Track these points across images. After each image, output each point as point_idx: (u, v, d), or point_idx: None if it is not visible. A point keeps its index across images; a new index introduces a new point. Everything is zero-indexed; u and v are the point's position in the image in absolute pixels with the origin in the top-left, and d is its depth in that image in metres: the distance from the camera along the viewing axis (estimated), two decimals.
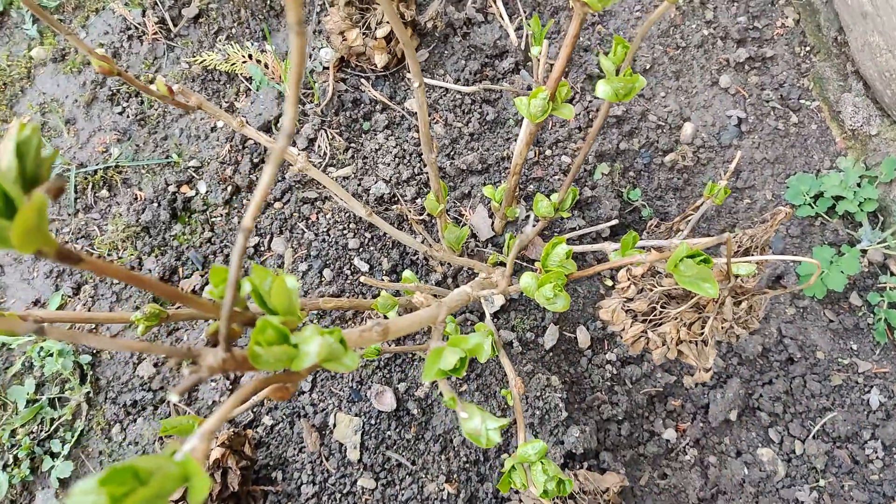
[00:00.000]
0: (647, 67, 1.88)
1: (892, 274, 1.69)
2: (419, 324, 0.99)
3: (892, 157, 1.69)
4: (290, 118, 0.40)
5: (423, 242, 1.57)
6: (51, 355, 1.50)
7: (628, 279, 1.14)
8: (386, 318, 0.99)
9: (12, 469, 1.46)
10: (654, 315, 1.09)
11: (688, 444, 1.57)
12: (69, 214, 1.69)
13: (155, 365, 1.54)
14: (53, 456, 1.48)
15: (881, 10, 1.61)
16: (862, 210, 1.70)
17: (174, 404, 1.51)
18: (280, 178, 1.68)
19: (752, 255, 1.34)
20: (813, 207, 1.74)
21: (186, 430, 1.02)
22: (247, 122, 1.31)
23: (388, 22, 1.73)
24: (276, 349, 0.46)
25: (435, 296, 1.35)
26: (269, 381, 0.51)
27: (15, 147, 0.37)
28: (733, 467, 1.55)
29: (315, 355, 0.48)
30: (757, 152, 1.82)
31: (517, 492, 1.44)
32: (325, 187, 1.68)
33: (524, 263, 1.64)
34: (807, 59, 1.91)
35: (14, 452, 1.47)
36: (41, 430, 1.50)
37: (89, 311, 1.58)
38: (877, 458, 1.57)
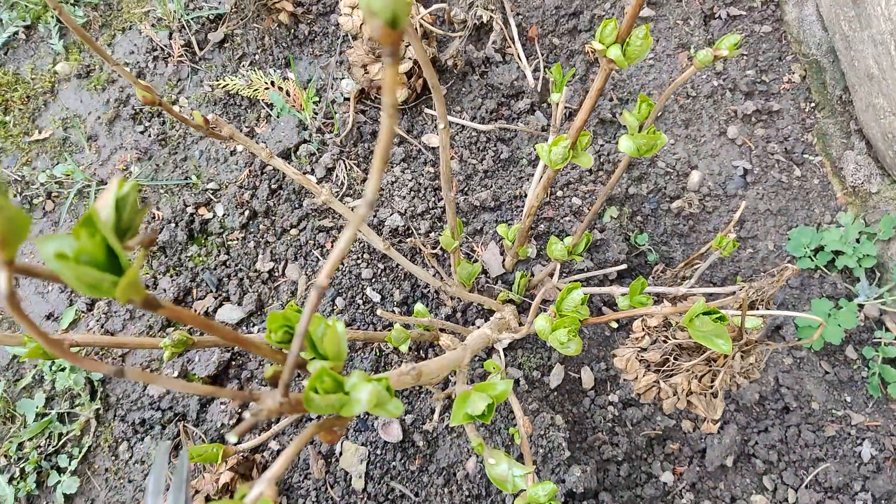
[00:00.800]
0: (659, 115, 1.93)
1: (887, 330, 1.74)
2: (448, 367, 1.03)
3: (891, 216, 1.75)
4: (373, 187, 0.43)
5: (435, 276, 1.60)
6: (63, 370, 1.52)
7: (643, 329, 1.18)
8: (416, 361, 1.02)
9: (18, 482, 1.47)
10: (667, 366, 1.13)
11: (684, 487, 1.60)
12: None
13: None
14: (60, 471, 1.49)
15: (887, 74, 1.68)
16: (860, 266, 1.76)
17: (183, 425, 1.52)
18: (297, 206, 1.71)
19: (758, 308, 1.39)
20: (813, 260, 1.79)
21: (212, 458, 1.05)
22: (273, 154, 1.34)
23: (410, 58, 1.77)
24: (331, 397, 0.49)
25: (454, 333, 1.38)
26: (322, 427, 0.54)
27: (114, 201, 0.40)
28: None
29: (366, 403, 0.51)
30: (761, 203, 1.87)
31: None
32: (341, 217, 1.71)
33: (529, 301, 1.68)
34: (811, 114, 1.97)
35: (21, 465, 1.48)
36: (49, 445, 1.51)
37: (102, 326, 1.60)
38: None
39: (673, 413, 1.63)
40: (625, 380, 1.62)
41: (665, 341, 1.12)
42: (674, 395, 1.12)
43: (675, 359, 1.12)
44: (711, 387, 1.11)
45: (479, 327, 1.49)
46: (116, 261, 0.38)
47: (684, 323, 0.97)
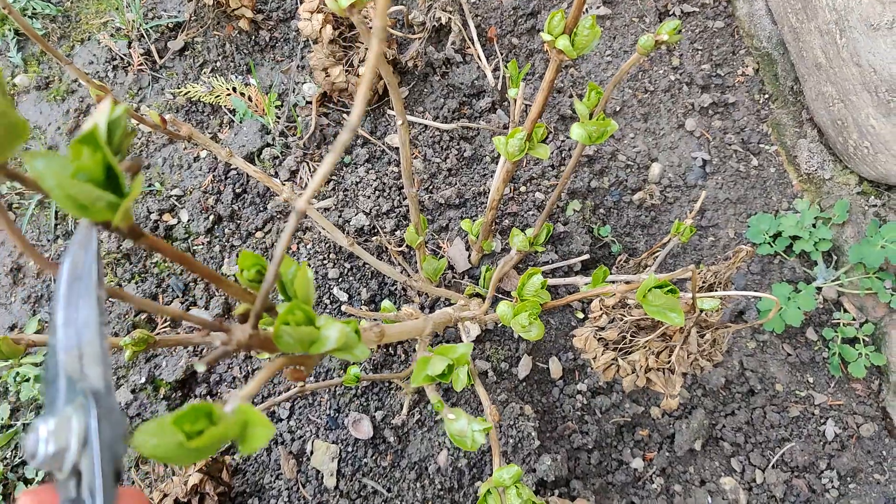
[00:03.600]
0: (617, 110, 1.97)
1: (845, 311, 1.79)
2: (409, 332, 1.04)
3: (844, 201, 1.80)
4: (358, 111, 0.43)
5: (402, 273, 1.61)
6: (27, 380, 1.50)
7: (601, 309, 1.20)
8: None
9: None
10: (625, 344, 1.15)
11: (654, 472, 1.62)
12: (48, 241, 1.70)
13: (132, 391, 1.55)
14: (27, 482, 1.47)
15: (833, 63, 1.73)
16: (817, 249, 1.80)
17: None
18: (262, 209, 1.72)
19: (716, 290, 1.42)
20: (772, 246, 1.83)
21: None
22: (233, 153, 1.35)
23: None
24: (302, 329, 0.49)
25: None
26: (290, 361, 0.54)
27: (107, 124, 0.40)
28: (698, 496, 1.61)
29: (335, 340, 0.51)
30: (720, 192, 1.91)
31: None
32: (306, 218, 1.72)
33: (499, 295, 1.70)
34: (766, 105, 2.02)
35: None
36: (15, 456, 1.49)
37: None
38: (832, 487, 1.64)
39: (639, 397, 1.66)
40: (584, 359, 1.64)
41: (622, 319, 1.14)
42: (632, 372, 1.14)
43: (633, 336, 1.15)
44: (669, 362, 1.14)
45: None
46: (114, 181, 0.37)
47: (637, 298, 0.99)
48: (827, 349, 1.77)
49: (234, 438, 0.40)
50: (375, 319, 1.59)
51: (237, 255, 1.66)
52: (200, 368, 0.42)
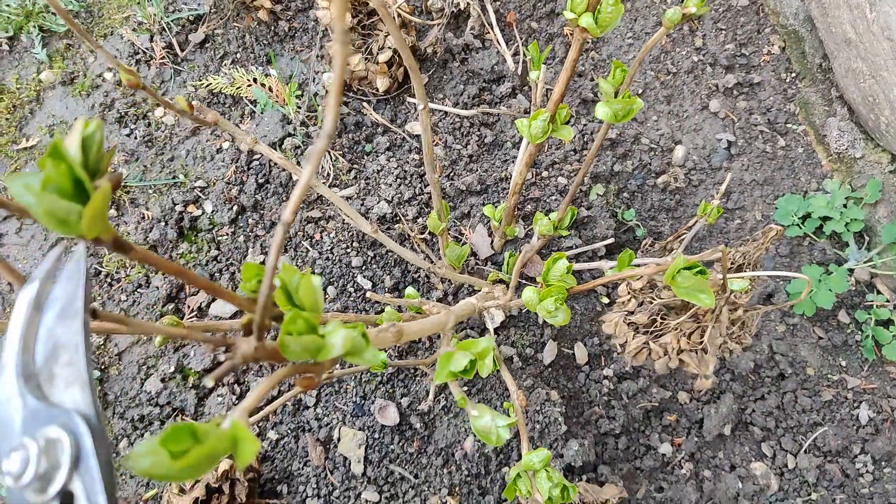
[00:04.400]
0: (640, 92, 1.95)
1: (878, 292, 1.75)
2: (430, 328, 1.03)
3: (877, 180, 1.75)
4: (331, 118, 0.43)
5: (425, 259, 1.61)
6: None
7: (628, 293, 1.19)
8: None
9: None
10: (655, 327, 1.14)
11: (683, 458, 1.60)
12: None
13: (162, 380, 1.57)
14: None
15: (864, 38, 1.69)
16: (848, 230, 1.76)
17: (181, 419, 1.53)
18: (285, 199, 1.72)
19: (745, 271, 1.39)
20: (801, 228, 1.80)
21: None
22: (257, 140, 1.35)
23: (389, 47, 1.79)
24: (305, 338, 0.50)
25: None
26: (297, 370, 0.54)
27: (80, 140, 0.41)
28: (728, 481, 1.59)
29: (340, 346, 0.51)
30: (746, 174, 1.88)
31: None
32: (329, 207, 1.72)
33: (523, 281, 1.69)
34: (792, 84, 1.98)
35: None
36: None
37: None
38: (867, 472, 1.61)
39: (666, 382, 1.64)
40: (614, 344, 1.62)
41: (651, 302, 1.13)
42: (664, 354, 1.13)
43: (663, 319, 1.13)
44: (701, 343, 1.12)
45: None
46: (84, 194, 0.38)
47: (666, 281, 0.97)
48: (860, 332, 1.73)
49: (225, 452, 0.40)
50: (401, 308, 1.59)
51: (261, 246, 1.67)
52: (209, 384, 0.42)
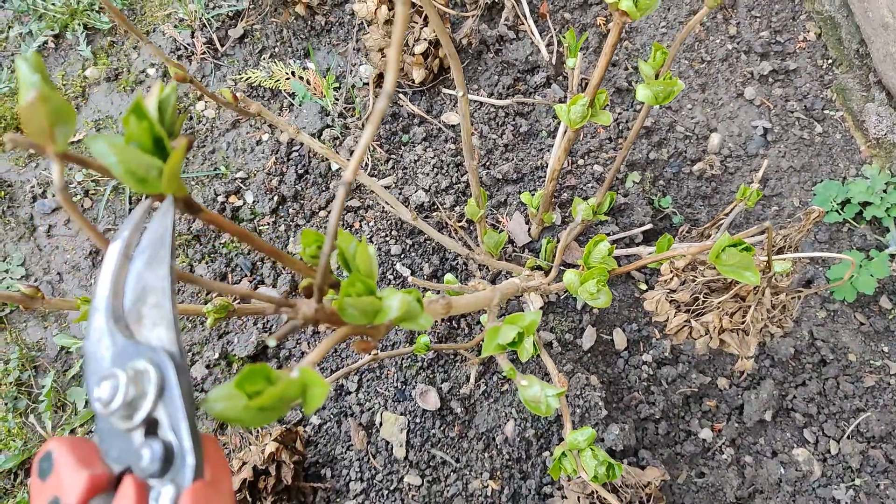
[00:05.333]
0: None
1: None
2: (477, 303, 1.05)
3: None
4: (391, 80, 0.45)
5: (464, 246, 1.63)
6: None
7: (671, 271, 1.19)
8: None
9: None
10: (697, 305, 1.14)
11: (724, 443, 1.60)
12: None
13: (207, 367, 1.60)
14: None
15: None
16: (889, 215, 1.75)
17: None
18: (324, 189, 1.75)
19: (786, 254, 1.39)
20: (840, 214, 1.78)
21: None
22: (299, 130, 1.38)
23: (426, 39, 1.81)
24: (364, 300, 0.51)
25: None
26: (355, 331, 0.56)
27: (157, 102, 0.43)
28: (769, 467, 1.58)
29: (397, 309, 0.52)
30: (783, 161, 1.87)
31: (559, 488, 1.48)
32: (368, 196, 1.75)
33: (561, 267, 1.69)
34: (829, 70, 1.97)
35: None
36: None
37: None
38: None
39: (706, 368, 1.64)
40: (654, 329, 1.62)
41: (693, 281, 1.13)
42: (705, 333, 1.13)
43: (705, 297, 1.13)
44: (743, 323, 1.12)
45: None
46: (163, 151, 0.40)
47: (710, 259, 0.97)
48: None
49: (294, 398, 0.42)
50: (439, 292, 1.61)
51: (301, 234, 1.70)
52: (272, 343, 0.44)
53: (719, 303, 1.12)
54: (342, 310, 0.50)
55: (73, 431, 1.57)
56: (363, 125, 1.82)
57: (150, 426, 0.38)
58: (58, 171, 0.41)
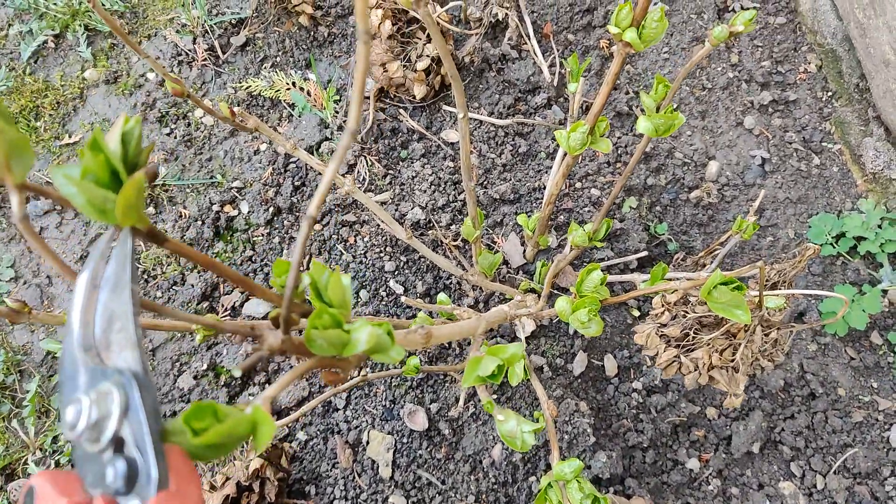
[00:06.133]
0: (675, 108, 1.95)
1: None
2: (460, 333, 1.04)
3: None
4: (354, 115, 0.44)
5: (458, 266, 1.62)
6: None
7: (662, 305, 1.19)
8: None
9: None
10: (687, 340, 1.14)
11: (711, 474, 1.60)
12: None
13: (195, 377, 1.59)
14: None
15: None
16: (883, 251, 1.75)
17: None
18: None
19: (780, 289, 1.39)
20: (835, 247, 1.79)
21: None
22: (297, 146, 1.37)
23: (428, 56, 1.81)
24: (330, 333, 0.50)
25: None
26: (322, 363, 0.55)
27: (120, 135, 0.42)
28: (755, 499, 1.58)
29: (365, 343, 0.51)
30: (780, 192, 1.88)
31: None
32: (363, 211, 1.74)
33: (554, 291, 1.69)
34: (829, 103, 1.97)
35: (56, 458, 1.51)
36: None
37: None
38: None
39: (695, 397, 1.63)
40: (645, 356, 1.62)
41: (685, 316, 1.13)
42: (695, 369, 1.13)
43: (696, 333, 1.13)
44: (732, 360, 1.12)
45: None
46: (120, 184, 0.39)
47: (702, 295, 0.97)
48: (892, 353, 1.72)
49: (245, 435, 0.42)
50: (432, 312, 1.60)
51: (274, 264, 1.69)
52: (237, 374, 0.44)
53: (709, 339, 1.12)
54: (310, 341, 0.50)
55: (55, 438, 1.55)
56: (362, 139, 1.81)
57: (118, 445, 0.38)
58: (17, 201, 0.41)
